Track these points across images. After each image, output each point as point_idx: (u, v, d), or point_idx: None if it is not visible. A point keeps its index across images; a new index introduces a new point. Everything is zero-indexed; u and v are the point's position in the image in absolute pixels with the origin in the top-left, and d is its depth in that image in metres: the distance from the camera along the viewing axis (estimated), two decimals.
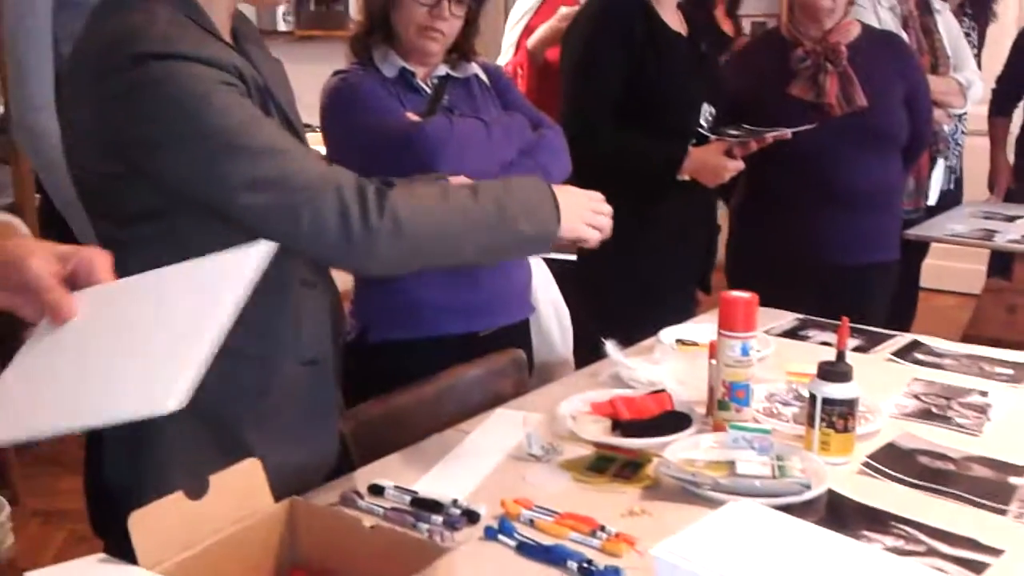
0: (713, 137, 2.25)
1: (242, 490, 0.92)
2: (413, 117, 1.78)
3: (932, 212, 3.08)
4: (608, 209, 1.31)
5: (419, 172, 1.70)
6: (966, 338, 2.82)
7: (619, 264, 2.26)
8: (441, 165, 1.71)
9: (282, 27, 4.45)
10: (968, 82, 2.99)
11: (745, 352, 1.41)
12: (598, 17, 2.28)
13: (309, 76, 4.97)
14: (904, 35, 2.86)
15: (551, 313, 2.16)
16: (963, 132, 3.34)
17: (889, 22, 2.83)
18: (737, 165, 2.21)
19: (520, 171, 1.83)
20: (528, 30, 2.93)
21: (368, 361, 1.71)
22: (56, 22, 1.86)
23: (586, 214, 1.26)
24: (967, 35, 3.32)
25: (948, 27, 3.06)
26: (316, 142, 3.28)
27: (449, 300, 1.80)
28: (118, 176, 1.10)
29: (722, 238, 2.60)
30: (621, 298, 2.31)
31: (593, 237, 1.30)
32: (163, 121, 1.04)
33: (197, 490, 0.88)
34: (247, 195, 1.05)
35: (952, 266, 4.13)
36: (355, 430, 1.39)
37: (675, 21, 2.33)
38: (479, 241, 1.18)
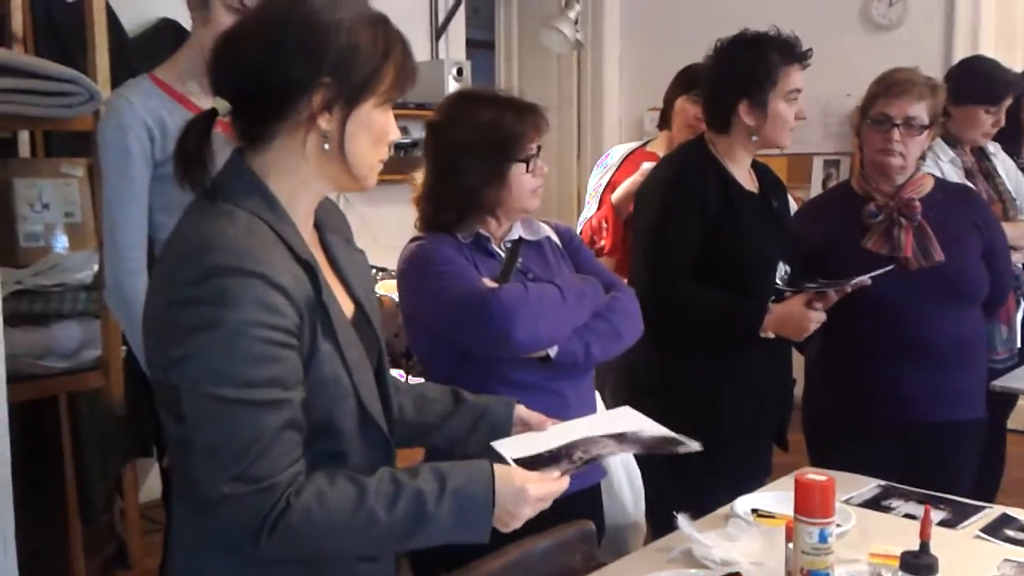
0: (789, 292, 2.24)
1: None
2: (489, 283, 1.81)
3: (1021, 357, 2.98)
4: (557, 489, 1.25)
5: (491, 338, 1.76)
6: None
7: (698, 416, 2.22)
8: (516, 331, 1.75)
9: None
10: None
11: (824, 539, 1.36)
12: (673, 179, 2.31)
13: (389, 218, 5.15)
14: (972, 187, 2.84)
15: (622, 476, 2.13)
16: None
17: (952, 175, 2.81)
18: (820, 317, 2.20)
19: (593, 334, 1.86)
20: (611, 185, 3.01)
21: None
22: (152, 190, 1.98)
23: (523, 510, 1.20)
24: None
25: (1007, 169, 3.03)
26: (390, 289, 3.37)
27: None
28: (163, 381, 1.14)
29: (798, 390, 2.55)
30: (698, 455, 2.26)
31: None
32: (194, 345, 1.09)
33: None
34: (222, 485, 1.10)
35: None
36: None
37: (746, 179, 2.36)
38: (384, 546, 1.21)
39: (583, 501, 1.93)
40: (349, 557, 1.22)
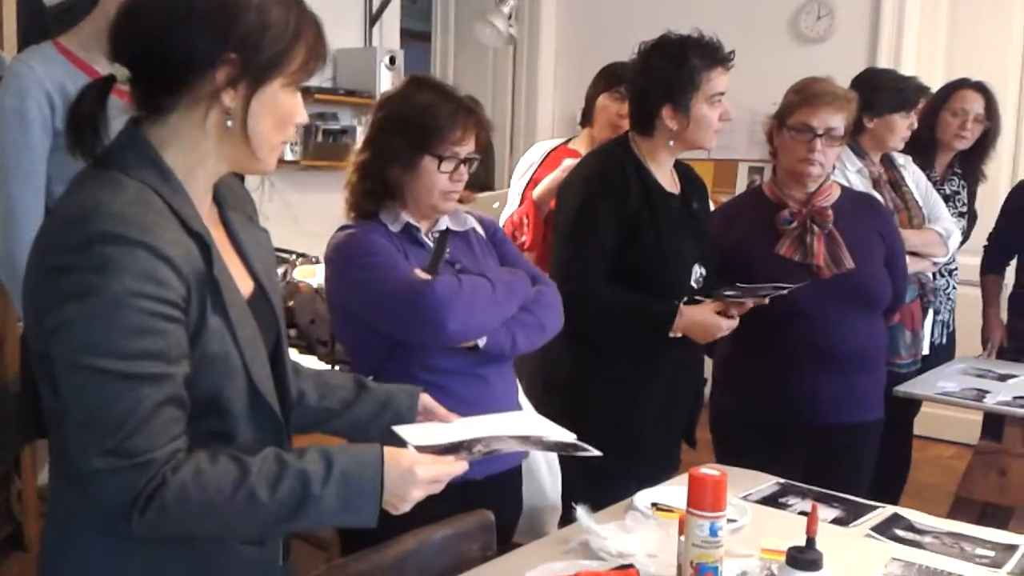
0: (707, 300, 2.26)
1: None
2: (421, 274, 1.82)
3: (925, 363, 3.07)
4: (449, 472, 1.23)
5: (425, 329, 1.76)
6: (957, 500, 2.78)
7: (611, 414, 2.25)
8: (449, 322, 1.76)
9: (289, 156, 4.55)
10: (947, 232, 3.04)
11: (714, 533, 1.37)
12: (594, 177, 2.33)
13: (314, 205, 5.10)
14: (877, 196, 2.92)
15: (541, 459, 2.14)
16: (954, 287, 3.36)
17: (858, 184, 2.89)
18: (731, 324, 2.23)
19: (520, 326, 1.89)
20: (533, 182, 3.02)
21: None
22: (51, 162, 1.91)
23: (412, 492, 1.18)
24: (956, 194, 3.38)
25: (916, 180, 3.13)
26: (308, 275, 3.32)
27: None
28: (40, 351, 1.10)
29: (707, 389, 2.59)
30: (606, 450, 2.28)
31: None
32: (72, 313, 1.05)
33: None
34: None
35: (950, 415, 4.08)
36: None
37: (668, 180, 2.38)
38: (267, 528, 1.17)
39: (504, 482, 1.96)
40: (232, 539, 1.19)
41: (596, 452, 1.36)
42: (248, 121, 1.15)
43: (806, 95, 2.38)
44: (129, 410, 1.05)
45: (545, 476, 2.23)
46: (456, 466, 1.22)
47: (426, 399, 1.47)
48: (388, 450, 1.17)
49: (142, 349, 1.05)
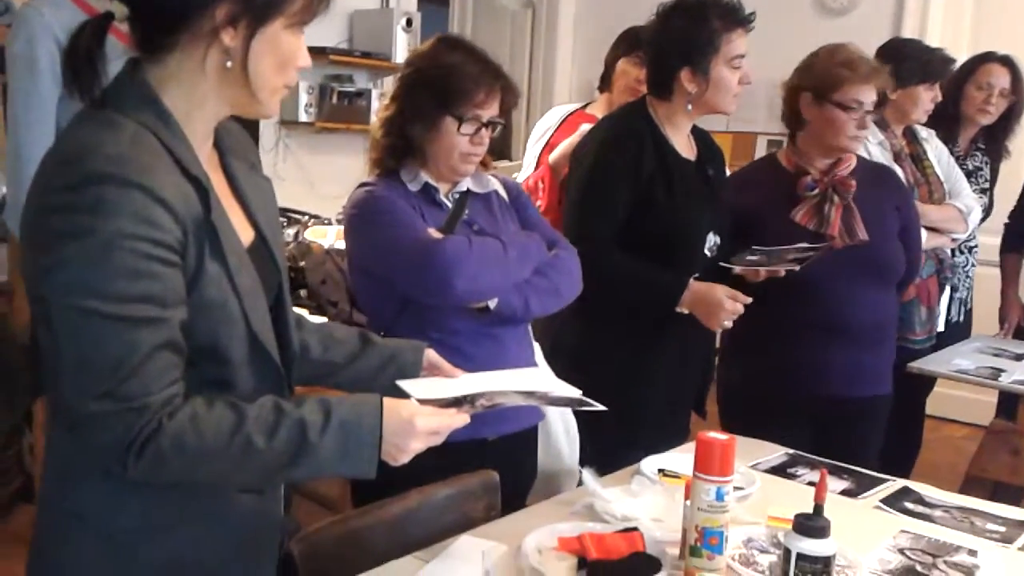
0: (731, 268, 2.23)
1: None
2: (434, 233, 1.80)
3: (940, 341, 3.04)
4: (450, 424, 1.21)
5: (433, 287, 1.76)
6: (968, 479, 2.75)
7: (617, 385, 2.22)
8: (457, 281, 1.75)
9: (303, 118, 4.53)
10: (968, 208, 2.99)
11: (720, 497, 1.36)
12: (608, 141, 2.28)
13: (328, 166, 5.08)
14: (898, 169, 2.87)
15: (559, 422, 2.12)
16: (973, 264, 3.32)
17: (879, 156, 2.84)
18: (736, 308, 2.17)
19: (533, 290, 1.87)
20: (549, 146, 2.98)
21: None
22: (60, 109, 1.89)
23: (411, 443, 1.17)
24: (979, 169, 3.32)
25: (938, 154, 3.07)
26: (320, 235, 3.31)
27: None
28: (36, 294, 1.09)
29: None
30: (616, 417, 2.26)
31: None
32: (66, 254, 1.03)
33: None
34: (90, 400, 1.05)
35: (963, 396, 4.05)
36: (307, 552, 1.34)
37: (685, 146, 2.34)
38: (263, 476, 1.16)
39: (519, 442, 1.95)
40: (229, 487, 1.18)
41: (601, 407, 1.35)
42: (248, 62, 1.12)
43: (853, 69, 2.30)
44: (124, 354, 1.03)
45: (562, 440, 2.22)
46: (457, 418, 1.20)
47: (431, 354, 1.46)
48: (388, 401, 1.16)
49: (137, 292, 1.04)
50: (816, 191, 2.35)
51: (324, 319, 2.96)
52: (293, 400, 1.15)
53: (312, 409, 1.12)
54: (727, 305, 2.17)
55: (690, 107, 2.26)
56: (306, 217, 3.52)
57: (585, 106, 3.15)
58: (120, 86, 1.13)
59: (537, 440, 2.07)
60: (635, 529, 1.46)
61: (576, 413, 2.17)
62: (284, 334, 1.26)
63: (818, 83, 2.34)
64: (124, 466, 1.05)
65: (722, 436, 1.38)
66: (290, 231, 3.46)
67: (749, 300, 2.16)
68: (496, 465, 1.72)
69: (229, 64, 1.12)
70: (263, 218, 1.25)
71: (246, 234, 1.21)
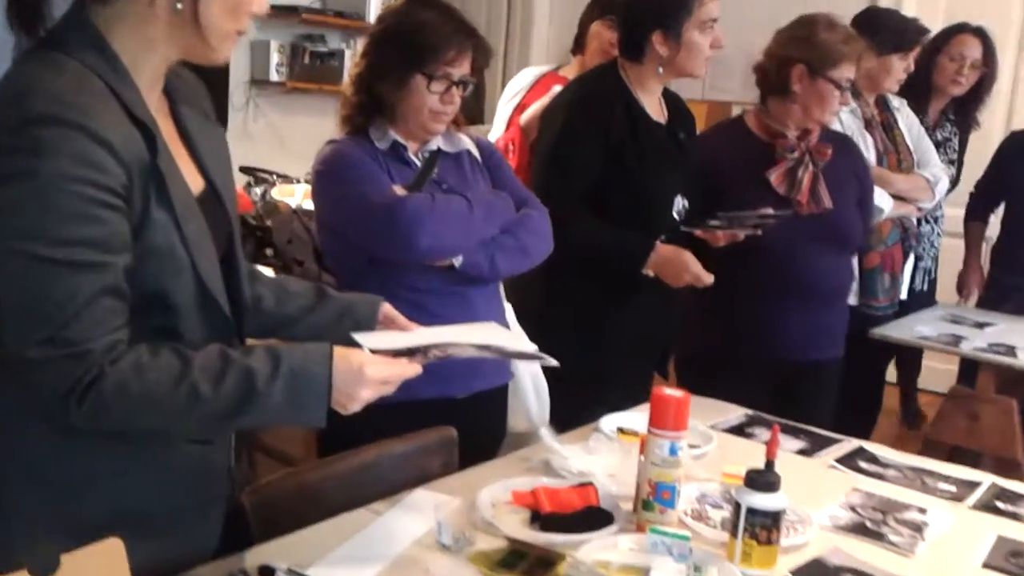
0: (698, 231, 2.24)
1: (99, 572, 0.87)
2: (399, 191, 1.79)
3: (904, 309, 3.07)
4: (402, 373, 1.20)
5: (396, 245, 1.75)
6: (927, 443, 2.80)
7: (582, 345, 2.23)
8: (420, 239, 1.74)
9: (274, 78, 4.47)
10: (935, 178, 3.01)
11: (674, 452, 1.37)
12: (578, 103, 2.28)
13: (298, 127, 5.03)
14: (868, 137, 2.88)
15: (529, 382, 2.13)
16: (939, 234, 3.34)
17: (851, 125, 2.85)
18: (701, 276, 2.18)
19: (499, 248, 1.86)
20: (521, 107, 2.97)
21: (342, 420, 1.64)
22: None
23: (361, 392, 1.15)
24: (948, 140, 3.34)
25: (909, 123, 3.08)
26: (287, 194, 3.28)
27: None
28: None
29: None
30: (580, 378, 2.27)
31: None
32: (5, 196, 1.01)
33: (45, 568, 0.83)
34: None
35: (926, 365, 4.10)
36: (260, 505, 1.34)
37: (656, 109, 2.33)
38: (210, 425, 1.15)
39: (488, 401, 1.96)
40: (177, 435, 1.17)
41: (555, 362, 1.35)
42: (199, 5, 1.10)
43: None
44: (66, 299, 1.02)
45: (532, 400, 2.23)
46: (408, 368, 1.20)
47: (387, 308, 1.45)
48: (338, 349, 1.15)
49: (79, 236, 1.02)
50: (795, 154, 2.36)
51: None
52: (240, 349, 1.14)
53: (260, 357, 1.11)
54: (693, 268, 2.18)
55: (661, 70, 2.25)
56: (273, 176, 3.49)
57: (558, 68, 3.14)
58: (66, 26, 1.10)
59: (507, 399, 2.07)
60: (589, 484, 1.47)
61: (545, 373, 2.18)
62: (235, 285, 1.25)
63: (816, 58, 2.31)
64: (66, 413, 1.04)
65: (677, 392, 1.39)
66: (257, 190, 3.43)
67: (710, 280, 2.19)
68: (465, 424, 1.72)
69: (179, 6, 1.10)
70: (214, 168, 1.23)
71: (196, 183, 1.19)
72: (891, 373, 3.48)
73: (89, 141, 1.02)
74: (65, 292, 1.02)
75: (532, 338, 1.90)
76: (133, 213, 1.07)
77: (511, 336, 1.52)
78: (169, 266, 1.11)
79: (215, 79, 1.24)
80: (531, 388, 2.23)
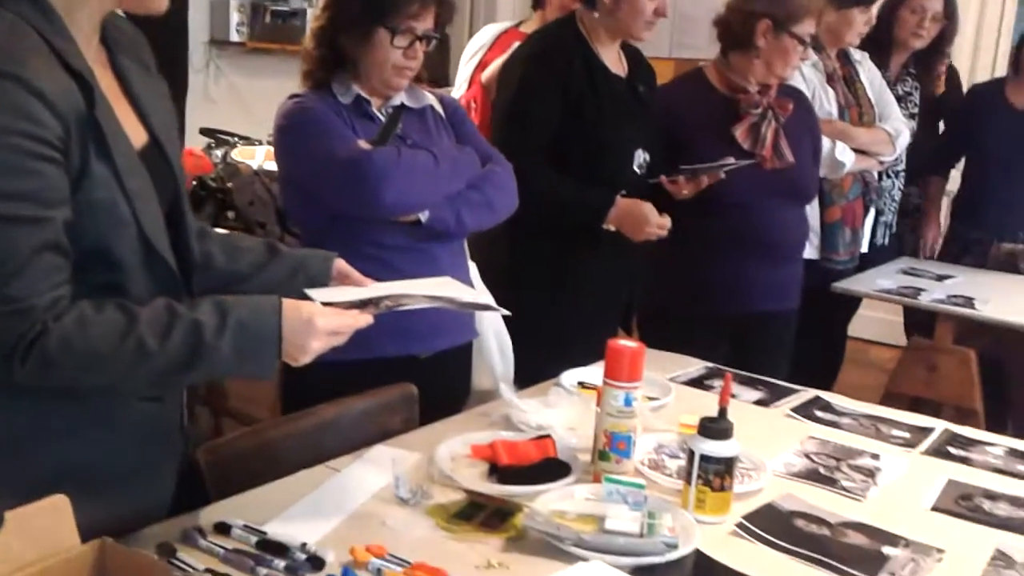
0: (664, 179, 2.25)
1: (44, 528, 0.87)
2: (364, 145, 1.77)
3: (865, 263, 3.10)
4: (352, 324, 1.20)
5: (362, 200, 1.73)
6: (887, 395, 2.84)
7: (545, 301, 2.24)
8: (385, 193, 1.73)
9: (235, 38, 4.40)
10: (896, 131, 3.02)
11: (628, 403, 1.38)
12: (536, 57, 2.26)
13: (260, 89, 4.95)
14: (830, 91, 2.89)
15: (493, 340, 2.13)
16: (900, 189, 3.37)
17: (813, 78, 2.86)
18: (661, 223, 2.20)
19: (465, 203, 1.85)
20: (482, 65, 2.94)
21: (305, 380, 1.59)
22: None
23: (312, 343, 1.15)
24: (908, 95, 3.35)
25: (870, 77, 3.09)
26: (248, 156, 3.24)
27: (387, 321, 1.76)
28: None
29: None
30: (545, 335, 2.28)
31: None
32: None
33: None
34: None
35: (888, 319, 4.15)
36: (216, 463, 1.33)
37: (615, 62, 2.32)
38: (158, 380, 1.14)
39: (452, 359, 1.96)
40: (124, 391, 1.16)
41: (505, 311, 1.35)
42: None
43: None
44: (6, 255, 1.00)
45: (496, 358, 2.24)
46: (360, 318, 1.20)
47: (341, 264, 1.44)
48: (287, 301, 1.14)
49: (15, 189, 1.00)
50: (760, 109, 2.36)
51: None
52: (187, 302, 1.13)
53: (207, 310, 1.10)
54: (653, 219, 2.19)
55: (605, 23, 2.23)
56: (234, 139, 3.44)
57: (519, 24, 3.10)
58: None
59: (471, 358, 2.07)
60: (547, 436, 1.48)
61: (510, 331, 2.18)
62: (182, 240, 1.23)
63: (782, 13, 2.32)
64: (9, 370, 1.03)
65: (631, 343, 1.40)
66: (218, 152, 3.39)
67: (669, 224, 2.20)
68: (429, 382, 1.73)
69: None
70: (157, 121, 1.21)
71: (138, 136, 1.17)
72: (853, 328, 3.51)
73: (23, 92, 1.00)
74: (4, 248, 1.00)
75: (496, 295, 1.91)
76: (71, 166, 1.05)
77: (465, 288, 1.51)
78: (111, 221, 1.09)
79: (173, 39, 1.21)
80: (495, 347, 2.23)
